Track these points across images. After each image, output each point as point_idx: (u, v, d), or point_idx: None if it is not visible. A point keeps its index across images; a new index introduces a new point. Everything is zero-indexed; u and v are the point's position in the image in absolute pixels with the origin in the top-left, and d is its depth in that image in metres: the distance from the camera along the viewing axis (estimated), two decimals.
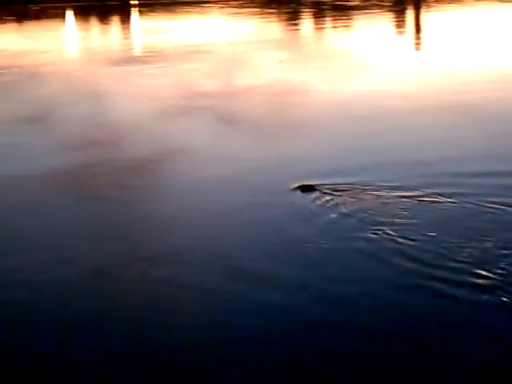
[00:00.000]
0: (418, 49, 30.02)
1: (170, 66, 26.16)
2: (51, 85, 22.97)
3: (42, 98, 20.63)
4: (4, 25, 51.89)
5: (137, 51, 33.45)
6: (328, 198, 10.31)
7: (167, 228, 9.73)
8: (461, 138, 14.07)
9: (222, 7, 59.02)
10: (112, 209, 10.74)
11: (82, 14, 60.65)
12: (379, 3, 55.08)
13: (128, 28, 48.29)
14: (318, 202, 10.19)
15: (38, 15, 59.63)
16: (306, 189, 10.68)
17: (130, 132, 15.75)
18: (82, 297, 7.75)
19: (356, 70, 23.50)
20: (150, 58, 29.01)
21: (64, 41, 40.18)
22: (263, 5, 59.03)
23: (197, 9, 59.18)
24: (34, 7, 65.44)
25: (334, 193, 10.48)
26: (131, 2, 67.35)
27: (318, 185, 10.82)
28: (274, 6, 58.84)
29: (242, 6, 59.22)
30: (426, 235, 8.85)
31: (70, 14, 60.09)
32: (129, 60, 28.64)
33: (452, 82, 20.93)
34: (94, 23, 55.10)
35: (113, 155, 13.80)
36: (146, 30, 44.83)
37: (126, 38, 40.53)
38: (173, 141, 14.72)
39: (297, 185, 10.89)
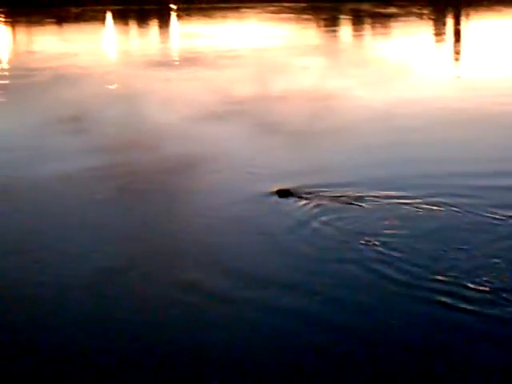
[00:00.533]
0: (456, 57, 29.72)
1: (206, 71, 26.18)
2: (86, 87, 23.11)
3: (78, 100, 20.74)
4: (44, 27, 52.41)
5: (173, 55, 33.54)
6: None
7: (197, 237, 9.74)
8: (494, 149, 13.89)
9: (259, 12, 59.03)
10: (149, 209, 10.85)
11: (121, 17, 61.10)
12: (417, 11, 54.71)
13: (166, 32, 48.50)
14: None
15: (78, 18, 60.17)
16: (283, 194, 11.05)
17: (165, 136, 15.76)
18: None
19: (393, 78, 23.32)
20: (186, 62, 29.10)
21: (102, 43, 40.46)
22: (300, 11, 58.95)
23: (234, 14, 59.29)
24: (75, 10, 66.06)
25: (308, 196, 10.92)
26: (170, 6, 67.69)
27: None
28: (310, 12, 58.75)
29: (279, 12, 59.21)
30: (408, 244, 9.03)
31: (109, 17, 60.56)
32: (165, 64, 28.74)
33: (490, 91, 20.67)
34: (133, 26, 55.47)
35: (146, 158, 13.83)
36: (184, 34, 44.98)
37: (163, 42, 40.72)
38: (206, 146, 14.72)
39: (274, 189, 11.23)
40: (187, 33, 44.88)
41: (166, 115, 18.22)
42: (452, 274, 8.02)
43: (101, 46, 38.46)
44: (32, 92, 22.54)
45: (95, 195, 11.57)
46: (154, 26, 55.55)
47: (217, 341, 6.87)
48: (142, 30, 51.53)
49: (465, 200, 10.52)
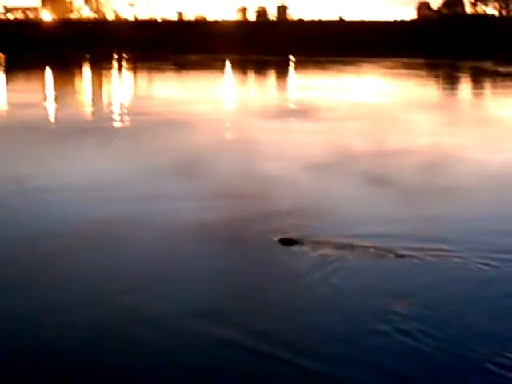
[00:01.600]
0: None
1: (319, 123, 26.11)
2: (200, 134, 23.41)
3: (191, 146, 21.00)
4: (164, 73, 53.89)
5: (288, 106, 33.68)
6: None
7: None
8: None
9: (376, 67, 58.91)
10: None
11: (239, 65, 62.17)
12: None
13: (283, 83, 48.94)
14: None
15: (197, 65, 61.67)
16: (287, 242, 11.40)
17: (277, 185, 15.75)
18: None
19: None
20: (300, 113, 29.13)
21: (218, 91, 41.13)
22: (418, 67, 58.45)
23: (349, 67, 59.33)
24: (193, 58, 67.75)
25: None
26: (289, 57, 68.44)
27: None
28: (428, 68, 58.19)
29: (396, 67, 58.92)
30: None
31: (227, 65, 61.72)
32: (279, 114, 28.86)
33: None
34: (251, 75, 56.31)
35: (259, 208, 13.80)
36: (300, 85, 45.24)
37: (279, 93, 41.04)
38: (319, 198, 14.59)
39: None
40: (303, 84, 45.12)
41: (277, 165, 18.18)
42: None
43: (217, 94, 39.08)
44: (147, 136, 22.98)
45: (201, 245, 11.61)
46: (271, 76, 56.23)
47: None
48: (259, 79, 52.23)
49: None
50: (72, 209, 13.78)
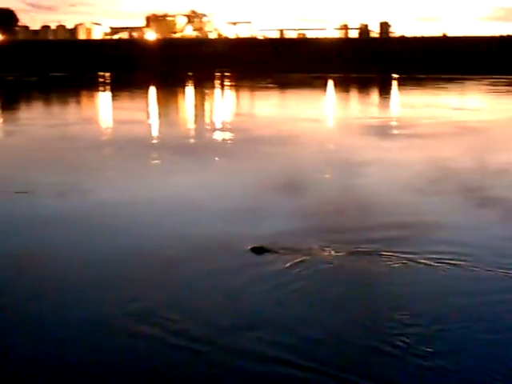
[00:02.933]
0: None
1: (424, 141, 25.42)
2: (303, 152, 23.12)
3: (294, 164, 20.74)
4: (265, 92, 53.96)
5: (391, 124, 33.00)
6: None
7: None
8: None
9: (477, 84, 57.45)
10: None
11: (341, 84, 61.67)
12: None
13: (385, 100, 48.20)
14: None
15: (298, 84, 61.55)
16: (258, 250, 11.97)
17: (380, 205, 15.32)
18: None
19: None
20: (403, 131, 28.48)
21: (321, 109, 40.80)
22: None
23: (450, 84, 58.02)
24: (296, 76, 67.71)
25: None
26: (392, 75, 67.52)
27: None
28: None
29: (500, 84, 57.33)
30: None
31: (329, 83, 61.37)
32: (383, 132, 28.27)
33: None
34: (353, 94, 55.74)
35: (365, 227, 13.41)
36: (403, 103, 44.43)
37: (381, 111, 40.36)
38: (423, 218, 14.07)
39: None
40: (406, 102, 44.30)
41: (383, 185, 17.72)
42: None
43: (319, 112, 38.73)
44: (246, 153, 22.87)
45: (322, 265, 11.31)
46: (373, 93, 55.51)
47: None
48: (361, 97, 51.63)
49: None
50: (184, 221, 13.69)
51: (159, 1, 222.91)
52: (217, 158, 22.08)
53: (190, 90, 59.42)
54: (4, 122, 34.89)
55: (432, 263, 11.27)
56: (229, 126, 31.42)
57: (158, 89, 58.67)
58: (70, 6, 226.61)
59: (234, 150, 24.06)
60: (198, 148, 24.66)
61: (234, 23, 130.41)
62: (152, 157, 22.29)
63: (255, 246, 12.18)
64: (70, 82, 66.17)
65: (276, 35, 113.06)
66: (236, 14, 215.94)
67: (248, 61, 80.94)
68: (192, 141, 27.33)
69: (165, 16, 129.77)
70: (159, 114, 38.31)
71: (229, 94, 55.02)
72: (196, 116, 37.94)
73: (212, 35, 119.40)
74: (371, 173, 19.41)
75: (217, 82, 64.05)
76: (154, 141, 27.22)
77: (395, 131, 29.56)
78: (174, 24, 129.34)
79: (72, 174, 19.24)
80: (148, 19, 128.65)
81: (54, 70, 75.87)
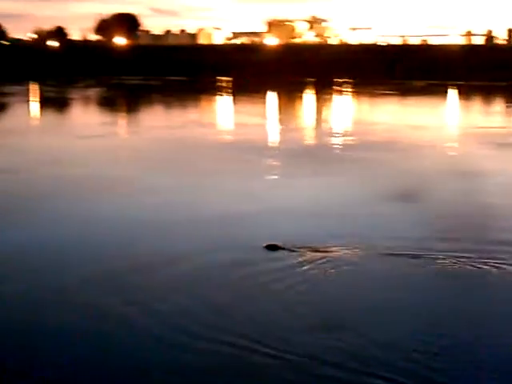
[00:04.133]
0: None
1: None
2: (424, 161, 22.36)
3: (413, 173, 20.02)
4: (386, 98, 53.01)
5: None
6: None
7: None
8: None
9: None
10: None
11: (464, 92, 59.84)
12: None
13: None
14: None
15: (422, 91, 60.23)
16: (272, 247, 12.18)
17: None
18: None
19: None
20: None
21: (442, 118, 39.63)
22: None
23: None
24: (419, 83, 66.25)
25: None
26: None
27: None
28: None
29: None
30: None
31: (452, 91, 59.71)
32: (505, 141, 27.04)
33: None
34: (477, 102, 53.98)
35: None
36: None
37: (508, 120, 38.74)
38: None
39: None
40: None
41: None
42: None
43: (440, 120, 37.57)
44: (371, 161, 22.26)
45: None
46: (500, 102, 53.51)
47: None
48: (486, 106, 49.89)
49: None
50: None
51: (280, 6, 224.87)
52: (331, 165, 21.58)
53: (309, 95, 59.05)
54: (127, 124, 35.50)
55: None
56: (348, 133, 30.88)
57: (277, 94, 58.60)
58: (191, 10, 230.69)
59: (353, 156, 23.49)
60: (318, 153, 24.21)
61: (355, 29, 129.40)
62: (272, 160, 22.07)
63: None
64: (190, 86, 67.08)
65: (398, 41, 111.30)
66: (357, 19, 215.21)
67: (368, 67, 79.86)
68: (311, 145, 26.96)
69: (285, 21, 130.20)
70: (279, 119, 38.17)
71: (347, 100, 54.32)
72: (314, 121, 37.55)
73: (332, 41, 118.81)
74: (496, 183, 18.45)
75: (336, 88, 63.40)
76: (274, 145, 27.07)
77: None
78: (294, 29, 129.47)
79: (192, 178, 19.20)
80: (269, 24, 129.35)
81: (175, 74, 77.11)
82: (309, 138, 29.96)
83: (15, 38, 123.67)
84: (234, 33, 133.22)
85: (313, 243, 12.51)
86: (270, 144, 27.41)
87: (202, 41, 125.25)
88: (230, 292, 10.34)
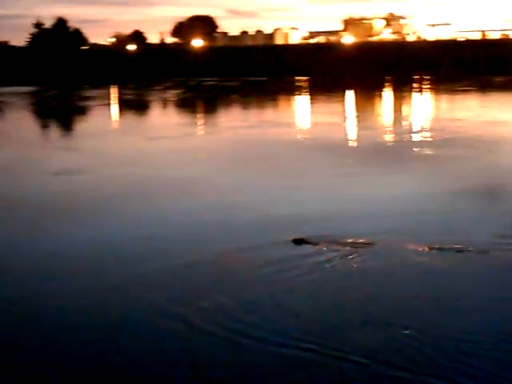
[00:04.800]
0: None
1: None
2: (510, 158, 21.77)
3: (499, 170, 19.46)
4: (466, 95, 51.91)
5: None
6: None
7: None
8: None
9: None
10: None
11: None
12: None
13: None
14: None
15: (502, 86, 58.82)
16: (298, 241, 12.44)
17: None
18: None
19: None
20: None
21: None
22: None
23: None
24: (499, 78, 64.70)
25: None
26: None
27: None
28: None
29: None
30: None
31: None
32: None
33: None
34: None
35: None
36: None
37: None
38: None
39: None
40: None
41: None
42: None
43: None
44: (454, 158, 21.73)
45: None
46: None
47: None
48: None
49: None
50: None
51: (356, 4, 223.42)
52: (412, 164, 21.15)
53: (387, 93, 58.32)
54: (205, 125, 35.67)
55: None
56: (428, 130, 30.27)
57: (355, 92, 58.07)
58: (268, 11, 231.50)
59: (435, 153, 23.01)
60: (399, 150, 23.78)
61: (433, 25, 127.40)
62: (351, 159, 21.82)
63: None
64: (267, 87, 67.08)
65: (477, 36, 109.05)
66: (435, 15, 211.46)
67: (447, 63, 78.47)
68: (391, 143, 26.52)
69: (362, 19, 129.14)
70: (357, 117, 37.78)
71: (426, 97, 53.39)
72: (393, 119, 36.97)
73: (410, 38, 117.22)
74: None
75: (415, 86, 62.41)
76: (353, 143, 26.82)
77: None
78: (371, 27, 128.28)
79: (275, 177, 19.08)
80: (345, 23, 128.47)
81: (252, 75, 77.27)
82: (388, 136, 29.48)
83: (95, 43, 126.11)
84: (310, 32, 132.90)
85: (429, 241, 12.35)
86: (348, 142, 27.15)
87: (278, 41, 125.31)
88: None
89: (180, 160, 22.90)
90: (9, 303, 10.18)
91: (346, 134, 29.83)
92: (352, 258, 11.51)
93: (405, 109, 43.76)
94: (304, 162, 21.94)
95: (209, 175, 19.66)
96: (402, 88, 59.99)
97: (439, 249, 11.90)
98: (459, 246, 11.87)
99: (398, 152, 23.68)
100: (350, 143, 27.05)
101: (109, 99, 56.11)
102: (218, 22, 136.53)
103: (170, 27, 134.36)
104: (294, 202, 16.01)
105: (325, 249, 12.05)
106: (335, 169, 20.29)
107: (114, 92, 64.37)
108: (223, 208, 15.53)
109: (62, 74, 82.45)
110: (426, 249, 11.89)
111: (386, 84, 65.44)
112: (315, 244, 12.23)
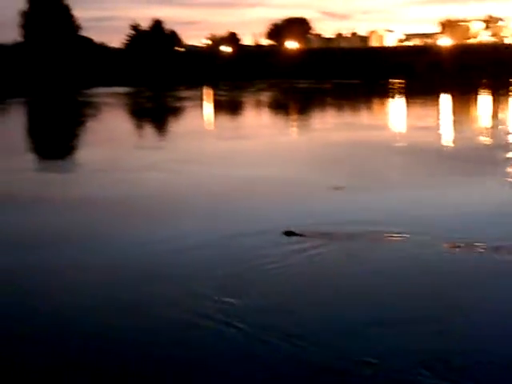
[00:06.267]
0: None
1: None
2: None
3: None
4: None
5: None
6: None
7: None
8: None
9: None
10: None
11: None
12: None
13: None
14: None
15: None
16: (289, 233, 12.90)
17: None
18: None
19: None
20: None
21: None
22: None
23: None
24: None
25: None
26: None
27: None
28: None
29: None
30: None
31: None
32: None
33: None
34: None
35: None
36: None
37: None
38: None
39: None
40: None
41: None
42: None
43: None
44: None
45: None
46: None
47: None
48: None
49: None
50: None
51: (454, 6, 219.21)
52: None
53: (484, 97, 56.83)
54: (298, 127, 35.53)
55: None
56: None
57: (451, 96, 56.86)
58: (363, 13, 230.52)
59: None
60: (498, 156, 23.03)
61: None
62: (448, 164, 21.26)
63: None
64: (362, 89, 66.48)
65: None
66: None
67: None
68: (490, 148, 25.74)
69: (460, 21, 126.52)
70: (453, 121, 36.97)
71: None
72: (490, 124, 35.90)
73: (509, 40, 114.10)
74: None
75: None
76: (448, 148, 26.19)
77: None
78: (469, 29, 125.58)
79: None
80: (442, 25, 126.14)
81: (347, 77, 76.70)
82: (486, 140, 28.62)
83: (190, 44, 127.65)
84: (406, 34, 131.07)
85: None
86: (444, 147, 26.54)
87: (373, 43, 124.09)
88: None
89: (272, 160, 22.84)
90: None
91: (442, 139, 29.12)
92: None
93: (503, 113, 42.49)
94: (408, 166, 21.61)
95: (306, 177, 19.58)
96: (500, 92, 58.31)
97: None
98: None
99: (499, 158, 22.94)
100: (447, 148, 26.48)
101: (202, 100, 56.63)
102: (313, 24, 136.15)
103: (263, 29, 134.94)
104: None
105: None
106: (435, 173, 19.83)
107: (207, 93, 64.92)
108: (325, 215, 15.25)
109: (157, 75, 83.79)
110: None
111: (484, 87, 63.80)
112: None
